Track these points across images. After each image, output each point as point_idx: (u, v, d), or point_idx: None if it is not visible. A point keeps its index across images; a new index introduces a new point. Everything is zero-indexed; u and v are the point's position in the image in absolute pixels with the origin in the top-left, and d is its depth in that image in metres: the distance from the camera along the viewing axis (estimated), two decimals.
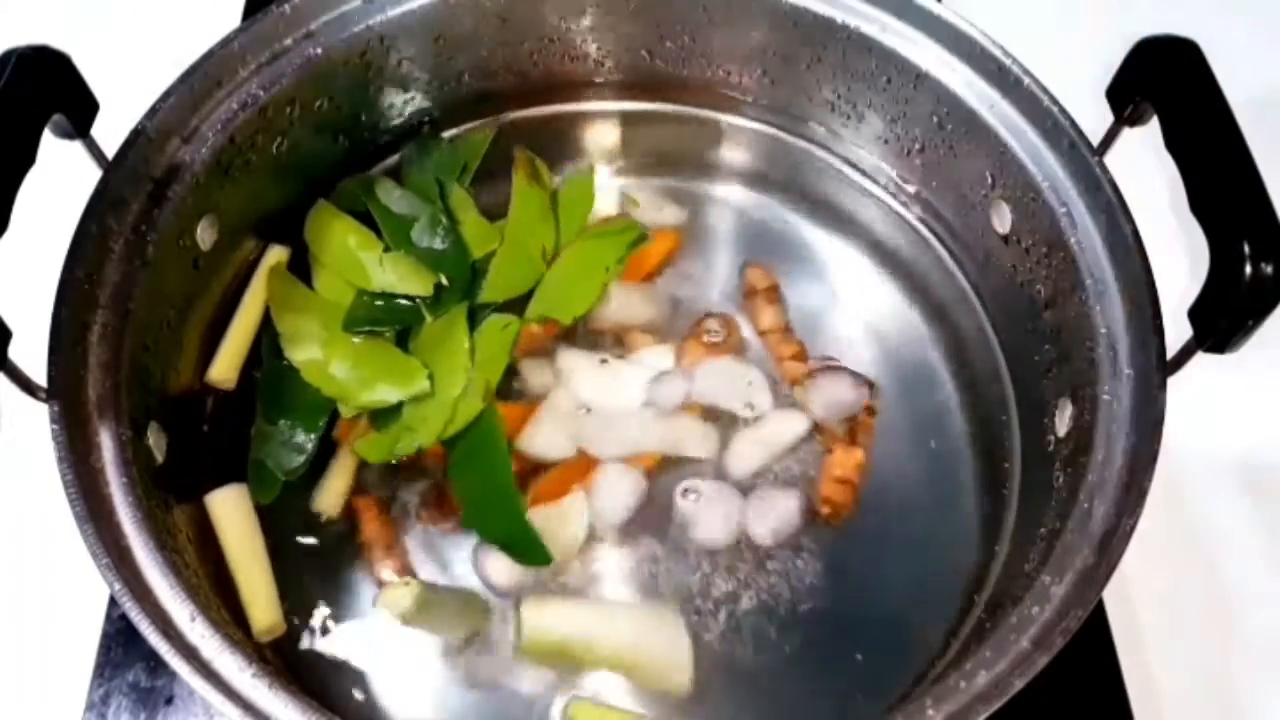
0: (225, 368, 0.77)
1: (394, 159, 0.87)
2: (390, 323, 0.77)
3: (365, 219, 0.81)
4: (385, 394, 0.74)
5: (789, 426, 0.76)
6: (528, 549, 0.71)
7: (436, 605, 0.70)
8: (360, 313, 0.77)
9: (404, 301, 0.78)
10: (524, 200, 0.82)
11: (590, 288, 0.80)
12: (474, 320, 0.77)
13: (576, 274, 0.80)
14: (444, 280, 0.78)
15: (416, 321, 0.78)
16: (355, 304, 0.78)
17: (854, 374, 0.78)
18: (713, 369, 0.78)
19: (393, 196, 0.82)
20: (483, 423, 0.73)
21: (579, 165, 0.88)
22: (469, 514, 0.72)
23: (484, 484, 0.72)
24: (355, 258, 0.79)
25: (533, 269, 0.80)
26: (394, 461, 0.73)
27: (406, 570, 0.71)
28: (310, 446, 0.74)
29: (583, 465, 0.75)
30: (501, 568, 0.71)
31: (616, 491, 0.73)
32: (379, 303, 0.78)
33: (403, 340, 0.78)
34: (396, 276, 0.78)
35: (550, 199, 0.83)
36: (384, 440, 0.73)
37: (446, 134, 0.88)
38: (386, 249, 0.79)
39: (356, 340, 0.76)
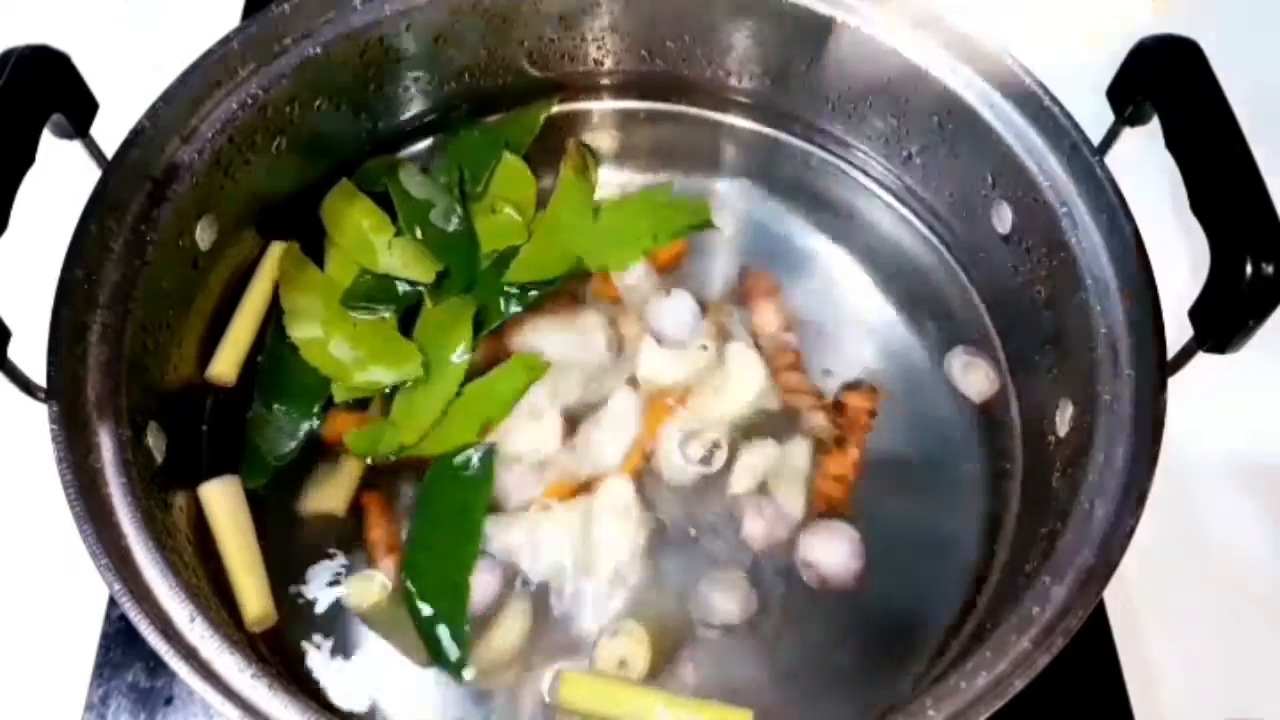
0: (225, 364, 0.77)
1: (427, 142, 0.87)
2: (388, 303, 0.78)
3: (386, 201, 0.82)
4: (379, 375, 0.75)
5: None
6: (450, 639, 0.67)
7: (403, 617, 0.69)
8: (360, 289, 0.78)
9: (405, 285, 0.79)
10: (568, 190, 0.83)
11: (630, 250, 0.80)
12: (480, 322, 0.76)
13: (624, 230, 0.81)
14: (448, 270, 0.79)
15: (415, 304, 0.78)
16: (357, 281, 0.79)
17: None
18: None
19: (414, 181, 0.82)
20: (477, 473, 0.72)
21: (661, 181, 0.87)
22: (413, 560, 0.69)
23: (449, 534, 0.70)
24: (367, 239, 0.80)
25: (565, 259, 0.80)
26: (378, 462, 0.73)
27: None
28: (303, 433, 0.74)
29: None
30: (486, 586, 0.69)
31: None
32: (380, 282, 0.79)
33: (407, 329, 0.78)
34: (401, 261, 0.79)
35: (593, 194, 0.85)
36: (370, 435, 0.73)
37: (444, 134, 0.87)
38: (398, 233, 0.80)
39: (357, 321, 0.77)
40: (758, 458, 0.75)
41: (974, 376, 0.78)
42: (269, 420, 0.75)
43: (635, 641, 0.68)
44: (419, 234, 0.80)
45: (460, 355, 0.75)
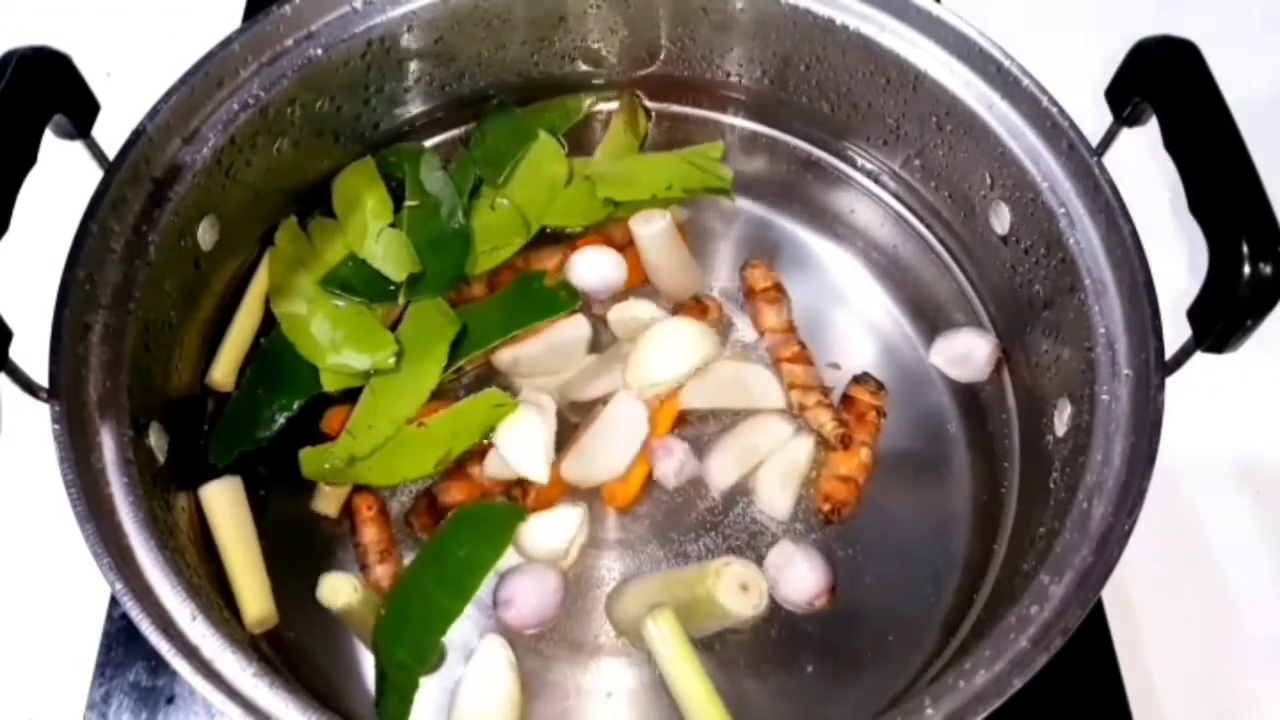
0: (226, 370, 0.77)
1: (457, 131, 0.88)
2: (363, 293, 0.78)
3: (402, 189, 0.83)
4: (351, 359, 0.75)
5: (777, 432, 0.76)
6: (397, 691, 0.66)
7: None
8: (341, 273, 0.79)
9: (384, 282, 0.78)
10: (615, 140, 0.85)
11: (639, 188, 0.82)
12: (457, 348, 0.76)
13: (644, 174, 0.83)
14: (424, 273, 0.79)
15: (389, 300, 0.78)
16: (340, 264, 0.79)
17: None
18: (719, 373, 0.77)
19: (432, 176, 0.82)
20: (496, 532, 0.70)
21: (712, 141, 0.88)
22: (393, 612, 0.68)
23: (443, 585, 0.68)
24: (364, 221, 0.80)
25: (602, 207, 0.82)
26: (329, 482, 0.73)
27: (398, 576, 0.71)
28: (277, 424, 0.75)
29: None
30: (526, 608, 0.68)
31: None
32: (361, 271, 0.79)
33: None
34: (382, 251, 0.79)
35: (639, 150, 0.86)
36: (322, 452, 0.72)
37: (447, 134, 0.88)
38: (393, 224, 0.80)
39: (342, 305, 0.77)
40: (744, 446, 0.75)
41: (963, 363, 0.79)
42: (248, 402, 0.75)
43: (758, 580, 0.68)
44: (414, 228, 0.80)
45: (431, 374, 0.74)
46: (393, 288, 0.78)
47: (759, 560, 0.71)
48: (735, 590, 0.67)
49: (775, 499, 0.74)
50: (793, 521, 0.74)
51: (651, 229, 0.79)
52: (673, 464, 0.73)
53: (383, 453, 0.72)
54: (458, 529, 0.70)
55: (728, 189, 0.84)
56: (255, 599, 0.69)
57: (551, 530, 0.71)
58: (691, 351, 0.76)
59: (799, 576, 0.69)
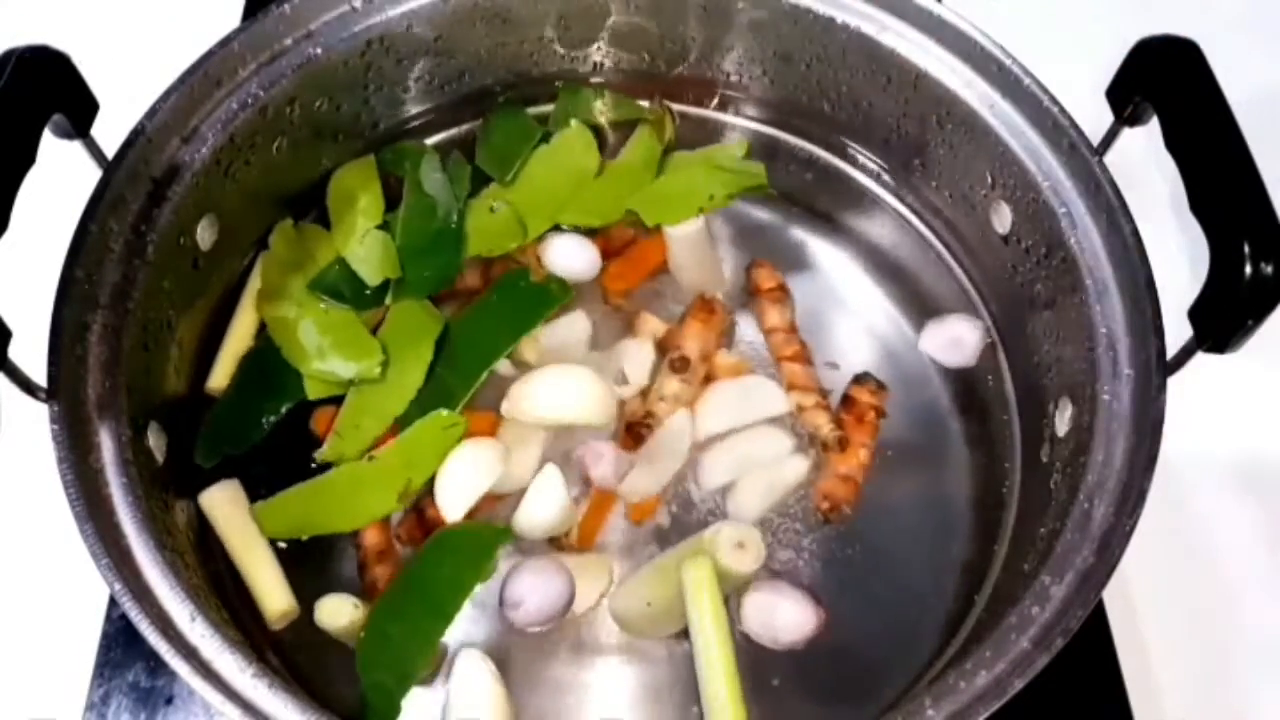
0: (224, 376, 0.76)
1: (465, 126, 0.88)
2: (350, 298, 0.77)
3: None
4: (336, 365, 0.74)
5: (773, 440, 0.76)
6: (379, 714, 0.65)
7: None
8: (329, 277, 0.78)
9: (370, 288, 0.78)
10: (640, 147, 0.85)
11: (686, 207, 0.81)
12: (440, 349, 0.75)
13: (683, 188, 0.83)
14: (403, 278, 0.78)
15: (371, 306, 0.78)
16: (328, 268, 0.79)
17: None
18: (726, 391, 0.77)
19: (431, 175, 0.82)
20: (479, 551, 0.69)
21: (735, 141, 0.89)
22: (373, 634, 0.67)
23: (425, 608, 0.67)
24: (355, 219, 0.80)
25: (617, 208, 0.82)
26: (292, 537, 0.71)
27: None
28: (262, 428, 0.74)
29: None
30: (534, 608, 0.68)
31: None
32: (349, 274, 0.78)
33: None
34: (363, 251, 0.78)
35: (662, 158, 0.86)
36: (274, 509, 0.71)
37: (447, 133, 0.88)
38: (382, 225, 0.80)
39: (329, 309, 0.77)
40: (742, 450, 0.75)
41: (954, 349, 0.79)
42: (234, 405, 0.75)
43: (751, 534, 0.68)
44: (405, 230, 0.79)
45: (419, 367, 0.74)
46: (380, 289, 0.78)
47: None
48: (733, 550, 0.67)
49: (748, 502, 0.73)
50: (792, 522, 0.74)
51: (683, 231, 0.80)
52: (606, 467, 0.72)
53: (340, 496, 0.71)
54: (440, 549, 0.69)
55: (764, 184, 0.84)
56: (274, 594, 0.69)
57: (540, 501, 0.70)
58: (579, 408, 0.73)
59: (789, 619, 0.68)
